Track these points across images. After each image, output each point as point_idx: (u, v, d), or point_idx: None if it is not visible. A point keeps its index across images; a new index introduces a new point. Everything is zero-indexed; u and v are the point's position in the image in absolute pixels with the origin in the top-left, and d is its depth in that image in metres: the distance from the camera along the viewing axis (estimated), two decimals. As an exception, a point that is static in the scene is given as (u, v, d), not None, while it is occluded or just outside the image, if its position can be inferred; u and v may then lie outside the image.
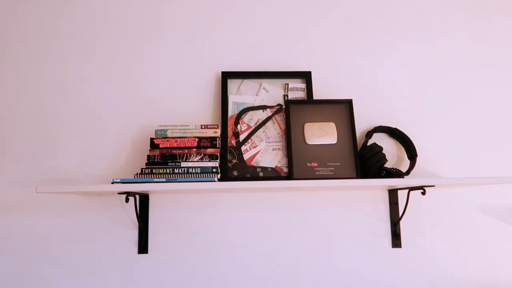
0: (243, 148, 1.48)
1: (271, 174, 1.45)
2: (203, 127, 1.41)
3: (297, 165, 1.40)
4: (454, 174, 1.56)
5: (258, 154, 1.47)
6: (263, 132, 1.50)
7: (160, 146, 1.38)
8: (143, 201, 1.48)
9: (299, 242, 1.49)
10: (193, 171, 1.33)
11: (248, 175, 1.45)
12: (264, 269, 1.47)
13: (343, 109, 1.48)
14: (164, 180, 1.29)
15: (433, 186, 1.30)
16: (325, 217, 1.51)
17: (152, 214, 1.49)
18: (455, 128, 1.59)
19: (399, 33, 1.64)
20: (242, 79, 1.56)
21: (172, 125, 1.40)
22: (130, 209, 1.48)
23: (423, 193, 1.32)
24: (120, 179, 1.26)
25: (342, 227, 1.51)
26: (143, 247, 1.47)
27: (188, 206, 1.49)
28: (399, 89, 1.61)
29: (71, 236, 1.46)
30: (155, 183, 1.23)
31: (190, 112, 1.54)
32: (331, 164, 1.41)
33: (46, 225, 1.46)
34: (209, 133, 1.41)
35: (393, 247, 1.51)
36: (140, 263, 1.46)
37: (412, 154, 1.51)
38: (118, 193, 1.28)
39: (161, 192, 1.42)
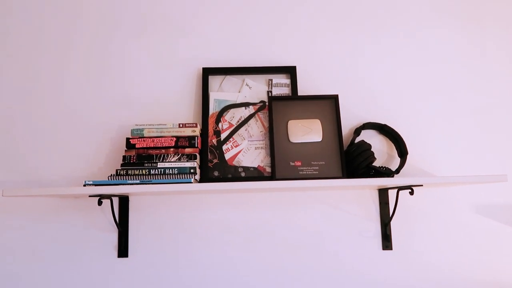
0: (224, 147, 1.42)
1: (254, 174, 1.39)
2: (181, 125, 1.35)
3: (280, 164, 1.34)
4: (447, 172, 1.48)
5: (240, 154, 1.41)
6: (246, 130, 1.44)
7: (137, 146, 1.33)
8: (123, 203, 1.43)
9: (284, 244, 1.43)
10: (170, 172, 1.28)
11: (230, 176, 1.39)
12: (248, 273, 1.41)
13: (328, 105, 1.41)
14: (138, 182, 1.24)
15: (421, 185, 1.23)
16: (312, 218, 1.45)
17: (132, 216, 1.44)
18: (448, 125, 1.51)
19: (390, 25, 1.57)
20: (224, 75, 1.50)
21: (149, 124, 1.35)
22: (109, 212, 1.43)
23: (411, 193, 1.25)
24: (93, 181, 1.21)
25: (330, 228, 1.44)
26: (123, 251, 1.42)
27: (170, 207, 1.44)
28: (389, 84, 1.53)
29: (48, 240, 1.42)
30: (129, 186, 1.18)
31: (170, 111, 1.49)
32: (315, 163, 1.35)
33: (20, 228, 1.42)
34: (188, 132, 1.35)
35: (383, 249, 1.44)
36: (120, 267, 1.41)
37: (402, 151, 1.44)
38: (89, 196, 1.23)
39: (139, 194, 1.37)
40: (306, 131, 1.38)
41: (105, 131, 1.48)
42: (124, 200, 1.43)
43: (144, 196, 1.44)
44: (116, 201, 1.43)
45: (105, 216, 1.43)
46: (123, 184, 1.22)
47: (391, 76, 1.54)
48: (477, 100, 1.53)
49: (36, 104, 1.49)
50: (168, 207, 1.44)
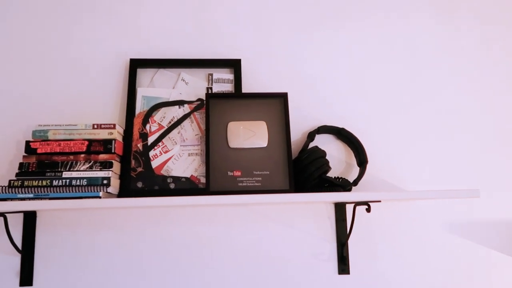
0: (151, 153, 1.19)
1: (185, 186, 1.17)
2: (95, 126, 1.12)
3: (215, 174, 1.12)
4: (414, 183, 1.29)
5: (170, 161, 1.19)
6: (178, 133, 1.21)
7: (38, 151, 1.08)
8: (30, 219, 1.18)
9: (222, 267, 1.20)
10: (78, 183, 1.04)
11: (156, 187, 1.16)
12: (178, 304, 1.18)
13: (276, 105, 1.20)
14: (31, 195, 0.99)
15: (379, 201, 1.02)
16: (256, 237, 1.23)
17: (40, 236, 1.19)
18: (416, 129, 1.32)
19: (348, 14, 1.37)
20: (156, 69, 1.27)
21: (55, 125, 1.11)
22: (13, 230, 1.18)
23: (368, 210, 1.05)
24: (-27, 195, 0.96)
25: (278, 248, 1.23)
26: (26, 278, 1.16)
27: (87, 225, 1.19)
28: (349, 82, 1.33)
29: None
30: (17, 201, 0.94)
31: (89, 110, 1.25)
32: (258, 173, 1.13)
33: None
34: (103, 134, 1.11)
35: (339, 273, 1.23)
36: (22, 298, 1.15)
37: (361, 159, 1.24)
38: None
39: (46, 210, 1.12)
40: (249, 135, 1.16)
41: (11, 133, 1.22)
42: (30, 216, 1.18)
43: (56, 212, 1.19)
44: (19, 217, 1.18)
45: (5, 236, 1.17)
46: (11, 199, 0.97)
47: (351, 73, 1.34)
48: (450, 101, 1.35)
49: None
50: (86, 225, 1.19)
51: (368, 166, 1.28)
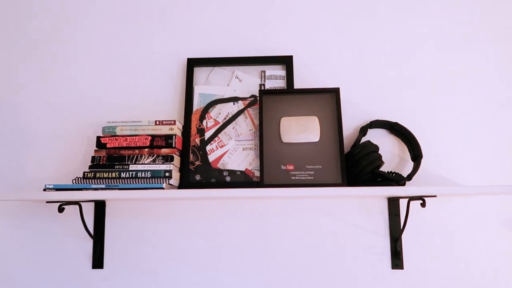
0: (208, 147, 1.25)
1: (240, 179, 1.22)
2: (157, 123, 1.20)
3: (269, 168, 1.16)
4: (470, 178, 1.25)
5: (225, 155, 1.24)
6: (233, 128, 1.27)
7: (108, 146, 1.18)
8: (100, 208, 1.30)
9: (273, 260, 1.25)
10: (143, 175, 1.13)
11: (213, 180, 1.22)
12: (233, 291, 1.24)
13: (328, 100, 1.21)
14: (103, 186, 1.09)
15: (435, 196, 1.01)
16: (308, 231, 1.26)
17: (109, 223, 1.30)
18: (472, 123, 1.28)
19: (402, 6, 1.35)
20: (211, 67, 1.33)
21: (122, 121, 1.20)
22: (85, 218, 1.30)
23: (423, 205, 1.04)
24: (54, 185, 1.07)
25: (330, 244, 1.25)
26: (97, 261, 1.28)
27: (151, 214, 1.29)
28: (402, 76, 1.32)
29: (15, 248, 1.30)
30: (92, 191, 1.04)
31: (151, 107, 1.34)
32: (310, 167, 1.16)
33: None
34: (165, 130, 1.19)
35: (393, 268, 1.23)
36: (94, 280, 1.27)
37: (416, 154, 1.22)
38: (47, 202, 1.09)
39: (115, 200, 1.23)
40: (301, 130, 1.19)
41: (84, 129, 1.34)
42: (100, 205, 1.30)
43: (122, 202, 1.30)
44: (90, 205, 1.30)
45: (80, 222, 1.30)
46: (86, 189, 1.08)
47: (403, 66, 1.32)
48: (509, 94, 1.29)
49: (3, 99, 1.38)
50: (150, 214, 1.29)
51: (422, 161, 1.26)
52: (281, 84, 1.30)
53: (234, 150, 1.24)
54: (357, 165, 1.16)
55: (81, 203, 1.19)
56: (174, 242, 1.27)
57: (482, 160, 1.26)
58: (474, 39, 1.32)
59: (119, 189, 1.09)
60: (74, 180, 1.12)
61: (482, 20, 1.33)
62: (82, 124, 1.34)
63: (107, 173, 1.13)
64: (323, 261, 1.24)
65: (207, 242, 1.26)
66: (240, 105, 1.28)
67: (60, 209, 1.07)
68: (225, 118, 1.27)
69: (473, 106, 1.29)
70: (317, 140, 1.18)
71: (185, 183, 1.20)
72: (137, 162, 1.15)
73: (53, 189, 1.07)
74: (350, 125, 1.30)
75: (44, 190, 1.07)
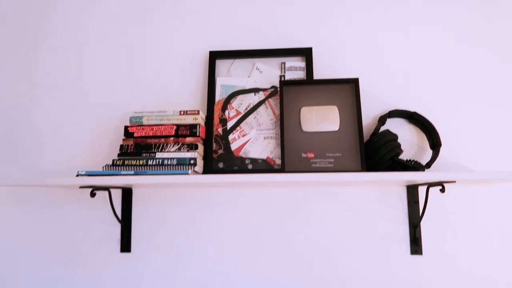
0: (230, 137, 1.30)
1: (262, 167, 1.26)
2: (182, 113, 1.25)
3: (290, 156, 1.19)
4: (488, 166, 1.26)
5: (247, 144, 1.29)
6: (254, 118, 1.31)
7: (135, 135, 1.24)
8: (127, 195, 1.36)
9: (295, 247, 1.28)
10: (169, 162, 1.18)
11: (236, 168, 1.26)
12: (256, 275, 1.28)
13: (348, 90, 1.24)
14: (132, 172, 1.15)
15: (454, 182, 1.03)
16: (328, 218, 1.29)
17: (136, 209, 1.36)
18: (490, 111, 1.29)
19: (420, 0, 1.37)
20: (233, 59, 1.37)
21: (149, 112, 1.26)
22: (114, 204, 1.36)
23: (442, 190, 1.06)
24: (86, 171, 1.13)
25: (349, 230, 1.28)
26: (125, 246, 1.34)
27: (177, 201, 1.34)
28: (420, 65, 1.34)
29: (47, 233, 1.37)
30: (122, 177, 1.09)
31: (175, 98, 1.39)
32: (330, 154, 1.19)
33: (15, 220, 1.38)
34: (189, 119, 1.24)
35: (412, 253, 1.25)
36: (122, 263, 1.33)
37: (434, 142, 1.24)
38: (80, 187, 1.15)
39: (136, 186, 1.28)
40: (320, 119, 1.22)
41: (110, 120, 1.40)
42: (127, 192, 1.36)
43: (148, 188, 1.35)
44: (118, 192, 1.36)
45: (109, 208, 1.36)
46: (116, 175, 1.13)
47: (422, 56, 1.34)
48: (529, 82, 1.30)
49: (35, 92, 1.45)
50: (174, 201, 1.34)
51: (441, 149, 1.28)
52: (300, 75, 1.33)
53: (255, 139, 1.28)
54: (376, 153, 1.19)
55: (110, 189, 1.25)
56: (197, 227, 1.32)
57: (501, 149, 1.27)
58: (491, 30, 1.33)
59: (147, 175, 1.14)
60: (104, 167, 1.17)
61: (500, 13, 1.33)
62: (108, 114, 1.40)
63: (135, 161, 1.19)
64: (343, 248, 1.27)
65: (229, 228, 1.31)
66: (261, 95, 1.32)
67: (92, 194, 1.13)
68: (246, 108, 1.31)
69: (492, 95, 1.30)
70: (337, 129, 1.21)
71: (209, 170, 1.25)
72: (163, 150, 1.20)
73: (85, 175, 1.13)
74: (368, 115, 1.33)
75: (77, 175, 1.13)
